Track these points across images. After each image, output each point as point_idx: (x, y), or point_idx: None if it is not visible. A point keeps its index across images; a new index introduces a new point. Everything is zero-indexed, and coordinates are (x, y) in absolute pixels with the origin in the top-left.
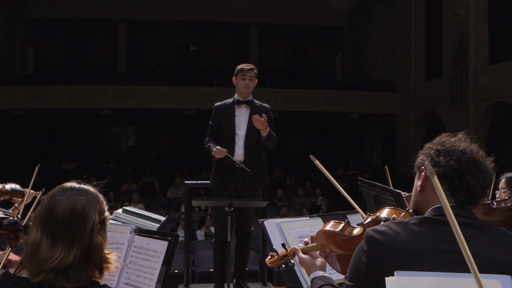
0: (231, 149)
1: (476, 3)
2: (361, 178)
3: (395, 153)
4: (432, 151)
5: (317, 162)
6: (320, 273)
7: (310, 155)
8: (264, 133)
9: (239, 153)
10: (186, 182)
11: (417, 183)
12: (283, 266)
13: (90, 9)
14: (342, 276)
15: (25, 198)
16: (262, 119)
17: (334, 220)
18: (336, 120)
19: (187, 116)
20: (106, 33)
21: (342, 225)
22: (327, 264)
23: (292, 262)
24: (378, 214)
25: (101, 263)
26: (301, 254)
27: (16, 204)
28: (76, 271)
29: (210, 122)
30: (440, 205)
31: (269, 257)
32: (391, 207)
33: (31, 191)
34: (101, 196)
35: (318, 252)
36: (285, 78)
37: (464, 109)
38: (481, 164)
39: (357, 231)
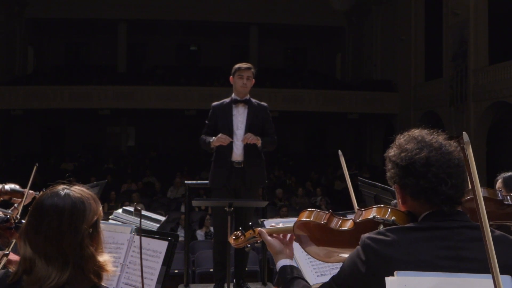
0: (229, 149)
1: (476, 3)
2: (361, 178)
3: None
4: (397, 170)
5: (342, 159)
6: (289, 261)
7: (339, 151)
8: (259, 145)
9: (237, 153)
10: (186, 182)
11: (396, 194)
12: (249, 246)
13: (90, 9)
14: (325, 280)
15: (24, 199)
16: (249, 137)
17: (309, 209)
18: (336, 120)
19: (187, 116)
20: (106, 33)
21: (326, 216)
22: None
23: (259, 242)
24: (374, 214)
25: (96, 271)
26: (268, 237)
27: (15, 204)
28: (73, 284)
29: (206, 121)
30: (432, 210)
31: (234, 237)
32: (382, 206)
33: (31, 191)
34: (88, 199)
35: (288, 237)
36: (285, 78)
37: (464, 109)
38: (449, 165)
39: (347, 225)
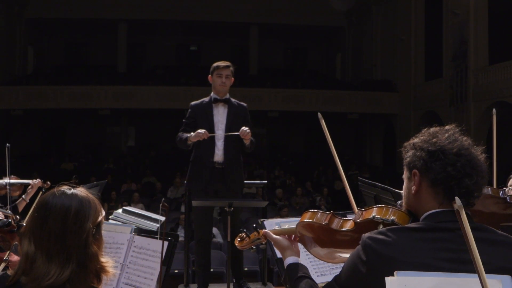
0: (211, 150)
1: (476, 3)
2: (361, 178)
3: (395, 153)
4: (423, 153)
5: (323, 122)
6: (297, 259)
7: (318, 113)
8: (247, 142)
9: (218, 154)
10: (186, 182)
11: (409, 184)
12: (254, 248)
13: (90, 9)
14: (325, 280)
15: (7, 189)
16: (247, 131)
17: (311, 210)
18: (336, 120)
19: None
20: (106, 33)
21: (327, 216)
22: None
23: (264, 244)
24: (373, 214)
25: (98, 272)
26: (273, 235)
27: (23, 196)
28: (74, 283)
29: (184, 120)
30: (437, 210)
31: (239, 239)
32: (382, 206)
33: (36, 180)
34: (93, 200)
35: (293, 237)
36: (285, 78)
37: (464, 109)
38: (477, 164)
39: (348, 225)
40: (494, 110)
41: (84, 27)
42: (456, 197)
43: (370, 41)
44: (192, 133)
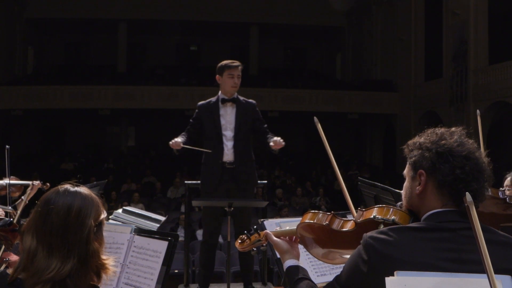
0: (220, 151)
1: (476, 3)
2: (361, 178)
3: (395, 153)
4: (431, 154)
5: (319, 126)
6: (296, 262)
7: (314, 117)
8: (276, 152)
9: (228, 154)
10: (186, 182)
11: (413, 184)
12: (255, 249)
13: (90, 9)
14: (325, 280)
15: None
16: (282, 142)
17: (312, 210)
18: (336, 120)
19: (187, 116)
20: (106, 33)
21: (328, 217)
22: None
23: (265, 245)
24: (374, 214)
25: (98, 270)
26: (274, 238)
27: (23, 197)
28: (74, 280)
29: (191, 120)
30: (439, 210)
31: (239, 241)
32: (383, 206)
33: (36, 182)
34: (96, 199)
35: (293, 238)
36: (285, 78)
37: (464, 109)
38: (483, 168)
39: (349, 226)
40: (478, 111)
41: (84, 27)
42: (467, 192)
43: (370, 41)
44: (177, 139)
